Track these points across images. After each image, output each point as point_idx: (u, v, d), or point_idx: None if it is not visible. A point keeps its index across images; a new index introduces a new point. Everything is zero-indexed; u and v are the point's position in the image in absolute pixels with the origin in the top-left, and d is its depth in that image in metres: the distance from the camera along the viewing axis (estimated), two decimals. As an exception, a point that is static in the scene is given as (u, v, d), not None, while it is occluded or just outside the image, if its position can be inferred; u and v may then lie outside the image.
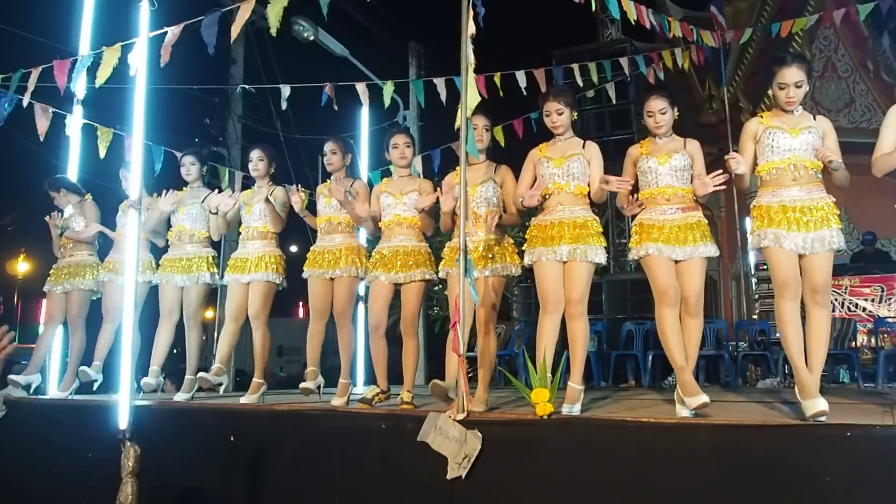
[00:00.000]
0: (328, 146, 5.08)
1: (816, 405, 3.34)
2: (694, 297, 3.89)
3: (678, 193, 3.97)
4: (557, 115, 4.20)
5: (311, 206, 5.53)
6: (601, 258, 4.04)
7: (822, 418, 3.29)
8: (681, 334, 3.91)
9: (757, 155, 3.82)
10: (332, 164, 5.07)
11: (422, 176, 7.44)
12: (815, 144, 3.69)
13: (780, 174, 3.72)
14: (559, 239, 4.03)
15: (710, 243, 3.94)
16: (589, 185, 4.16)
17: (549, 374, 3.76)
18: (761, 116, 3.89)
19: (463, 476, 3.55)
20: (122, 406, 4.59)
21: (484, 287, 4.36)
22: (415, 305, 4.68)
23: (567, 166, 4.13)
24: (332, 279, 4.98)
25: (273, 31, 4.33)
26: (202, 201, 5.60)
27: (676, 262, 3.93)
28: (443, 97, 6.50)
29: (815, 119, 3.79)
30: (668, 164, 3.97)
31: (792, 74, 3.71)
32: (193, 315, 5.54)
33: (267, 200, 5.22)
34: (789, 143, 3.71)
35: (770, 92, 3.86)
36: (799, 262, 3.67)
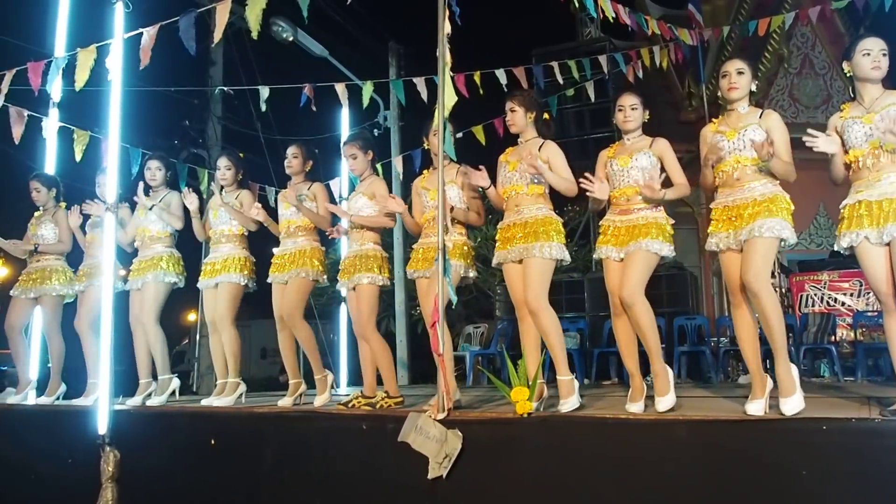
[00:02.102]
0: (290, 150, 5.11)
1: (751, 408, 3.42)
2: (626, 287, 3.79)
3: (638, 194, 3.96)
4: (511, 112, 4.28)
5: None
6: (558, 254, 4.06)
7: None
8: (631, 342, 3.96)
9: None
10: (292, 168, 5.09)
11: (401, 176, 7.49)
12: (756, 139, 3.63)
13: (725, 176, 3.75)
14: (514, 240, 4.13)
15: (660, 240, 3.86)
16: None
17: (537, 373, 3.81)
18: (712, 122, 3.94)
19: (444, 476, 3.56)
20: (102, 411, 4.58)
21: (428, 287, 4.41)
22: (367, 307, 4.64)
23: (520, 168, 4.17)
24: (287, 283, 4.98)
25: (254, 34, 4.31)
26: (159, 201, 5.52)
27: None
28: (423, 96, 6.50)
29: (761, 116, 3.76)
30: (629, 165, 3.99)
31: (732, 63, 3.80)
32: (149, 312, 5.41)
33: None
34: (728, 145, 3.73)
35: (719, 93, 3.89)
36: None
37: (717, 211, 3.78)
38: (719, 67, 4.01)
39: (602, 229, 4.10)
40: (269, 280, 5.08)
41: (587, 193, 4.05)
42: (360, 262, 4.67)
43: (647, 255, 3.84)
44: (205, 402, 5.22)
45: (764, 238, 3.52)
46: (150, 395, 5.46)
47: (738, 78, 3.75)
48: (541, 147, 4.18)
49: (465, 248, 4.57)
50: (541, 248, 4.01)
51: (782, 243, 3.60)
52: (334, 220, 5.07)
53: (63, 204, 6.02)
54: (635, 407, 3.76)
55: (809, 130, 3.52)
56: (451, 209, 4.46)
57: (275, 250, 5.16)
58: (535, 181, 4.15)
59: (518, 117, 4.26)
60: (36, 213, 6.05)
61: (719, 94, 3.87)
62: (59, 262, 5.95)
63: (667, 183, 3.95)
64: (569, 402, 3.83)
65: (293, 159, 5.07)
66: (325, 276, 5.02)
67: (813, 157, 3.71)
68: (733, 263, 3.67)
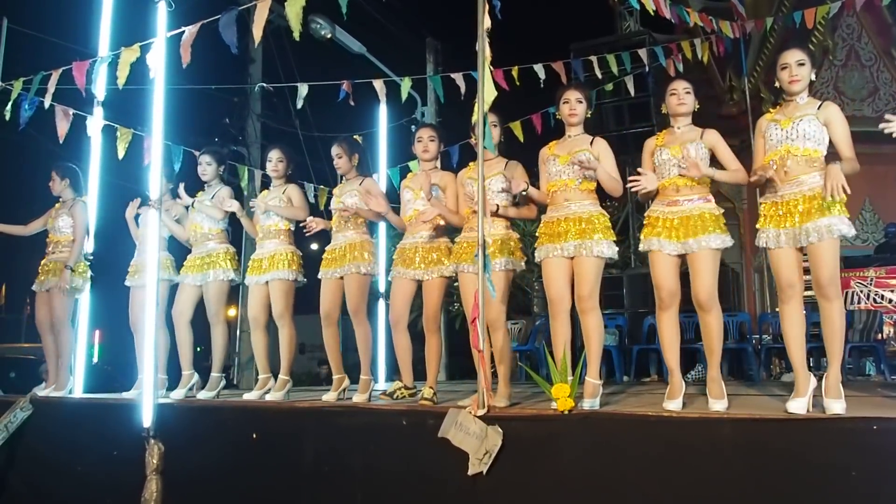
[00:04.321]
0: (333, 150, 5.07)
1: (793, 406, 3.36)
2: (704, 291, 3.77)
3: (688, 184, 3.88)
4: (577, 102, 4.21)
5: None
6: (610, 252, 4.03)
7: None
8: (675, 338, 3.92)
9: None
10: (340, 168, 5.09)
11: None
12: (809, 130, 3.58)
13: (774, 167, 3.63)
14: (565, 235, 4.05)
15: (719, 233, 3.80)
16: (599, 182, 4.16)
17: (569, 371, 3.76)
18: (770, 111, 3.85)
19: (484, 472, 3.54)
20: (146, 404, 4.65)
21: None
22: (436, 302, 4.68)
23: (572, 163, 4.11)
24: (341, 278, 4.96)
25: (296, 34, 4.31)
26: (211, 197, 5.53)
27: (683, 256, 3.87)
28: (462, 89, 6.48)
29: (819, 107, 3.65)
30: (682, 155, 3.90)
31: (792, 54, 3.69)
32: (216, 312, 5.50)
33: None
34: (780, 133, 3.64)
35: (777, 84, 3.79)
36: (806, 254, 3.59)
37: (765, 206, 3.68)
38: (767, 59, 3.93)
39: (649, 221, 3.99)
40: (319, 276, 5.05)
41: (636, 189, 3.96)
42: (437, 253, 4.66)
43: (714, 254, 3.81)
44: (248, 396, 5.23)
45: (830, 240, 3.44)
46: (192, 387, 5.54)
47: (798, 69, 3.66)
48: (591, 143, 4.15)
49: (513, 242, 4.45)
50: (597, 245, 3.98)
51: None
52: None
53: (84, 198, 6.01)
54: (674, 404, 3.69)
55: (887, 116, 3.44)
56: (511, 209, 4.44)
57: (326, 246, 5.14)
58: (588, 177, 4.11)
59: (583, 109, 4.23)
60: (56, 205, 6.05)
61: (778, 85, 3.77)
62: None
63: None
64: (589, 402, 3.84)
65: (338, 159, 5.04)
66: (376, 268, 4.99)
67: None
68: (784, 259, 3.57)
